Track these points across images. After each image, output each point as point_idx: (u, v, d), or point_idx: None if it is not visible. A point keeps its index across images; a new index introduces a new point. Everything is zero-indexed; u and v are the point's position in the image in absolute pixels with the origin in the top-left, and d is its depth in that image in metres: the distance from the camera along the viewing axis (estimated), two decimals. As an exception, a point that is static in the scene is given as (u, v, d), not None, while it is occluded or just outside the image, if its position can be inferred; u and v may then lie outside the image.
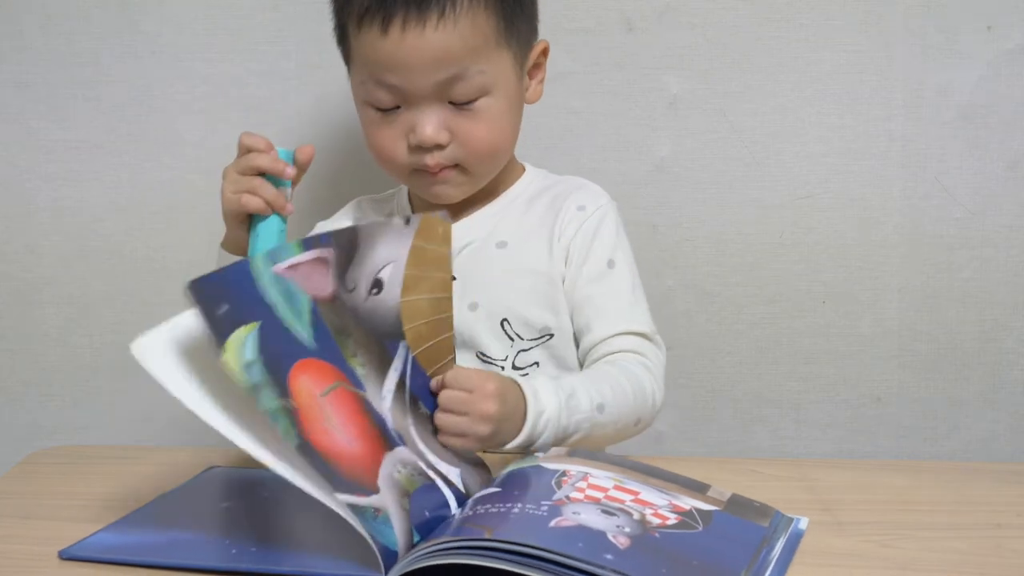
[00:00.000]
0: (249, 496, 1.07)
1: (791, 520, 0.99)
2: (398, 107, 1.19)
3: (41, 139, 1.66)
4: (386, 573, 0.87)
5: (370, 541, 0.87)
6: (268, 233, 1.15)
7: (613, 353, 1.22)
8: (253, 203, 1.14)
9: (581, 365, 1.26)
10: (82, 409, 1.71)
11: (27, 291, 1.70)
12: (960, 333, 1.64)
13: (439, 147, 1.19)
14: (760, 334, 1.64)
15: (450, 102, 1.18)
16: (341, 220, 1.38)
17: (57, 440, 1.67)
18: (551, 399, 1.08)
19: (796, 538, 0.96)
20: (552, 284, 1.25)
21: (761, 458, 1.60)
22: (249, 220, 1.16)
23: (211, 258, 1.66)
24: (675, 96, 1.59)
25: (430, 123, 1.17)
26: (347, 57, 1.25)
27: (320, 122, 1.63)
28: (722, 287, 1.63)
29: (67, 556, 0.94)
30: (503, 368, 1.25)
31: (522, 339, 1.25)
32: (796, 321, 1.64)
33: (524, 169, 1.34)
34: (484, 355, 1.25)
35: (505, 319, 1.24)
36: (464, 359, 1.24)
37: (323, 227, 1.34)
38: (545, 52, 1.27)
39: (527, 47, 1.24)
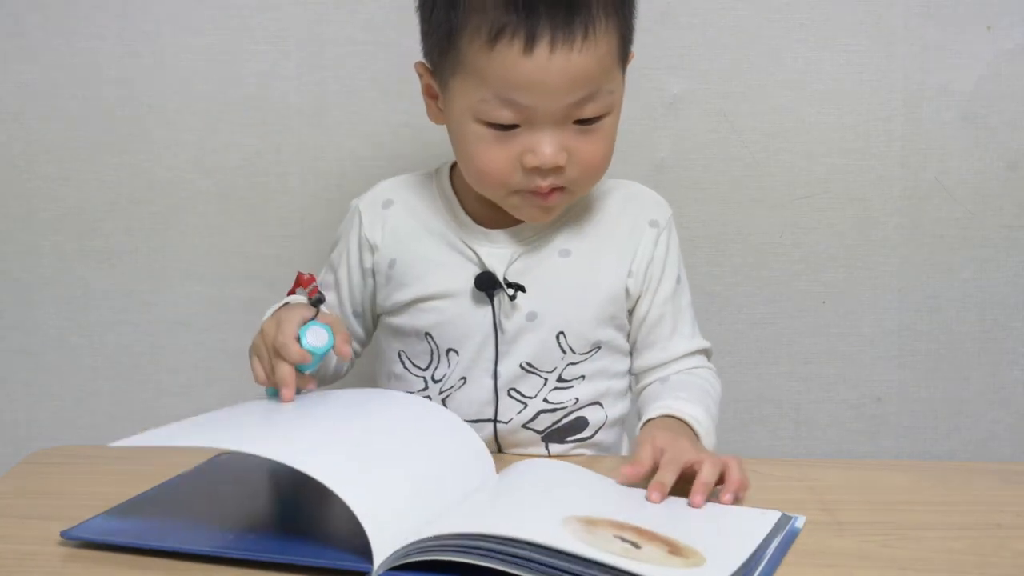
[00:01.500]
0: (253, 484, 1.08)
1: (789, 518, 0.99)
2: (515, 126, 1.12)
3: (41, 139, 1.66)
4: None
5: (368, 532, 0.88)
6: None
7: (688, 371, 1.24)
8: (259, 375, 1.13)
9: (638, 378, 1.25)
10: (82, 409, 1.71)
11: (27, 291, 1.70)
12: (960, 333, 1.64)
13: (556, 169, 1.13)
14: (760, 334, 1.64)
15: (574, 121, 1.13)
16: (376, 205, 1.29)
17: (57, 440, 1.67)
18: (693, 409, 1.14)
19: (792, 536, 0.96)
20: (615, 299, 1.22)
21: (761, 458, 1.60)
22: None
23: (210, 257, 1.67)
24: (675, 96, 1.59)
25: (551, 145, 1.12)
26: (450, 73, 1.15)
27: (320, 122, 1.63)
28: (722, 287, 1.63)
29: (69, 537, 0.96)
30: (546, 380, 1.22)
31: (574, 352, 1.21)
32: (796, 321, 1.64)
33: None
34: (531, 366, 1.21)
35: (562, 332, 1.21)
36: (507, 368, 1.21)
37: (357, 206, 1.29)
38: (631, 60, 1.22)
39: (627, 61, 1.20)
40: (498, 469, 1.07)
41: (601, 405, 1.24)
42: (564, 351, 1.21)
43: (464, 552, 0.85)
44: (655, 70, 1.58)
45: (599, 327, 1.22)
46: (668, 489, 1.01)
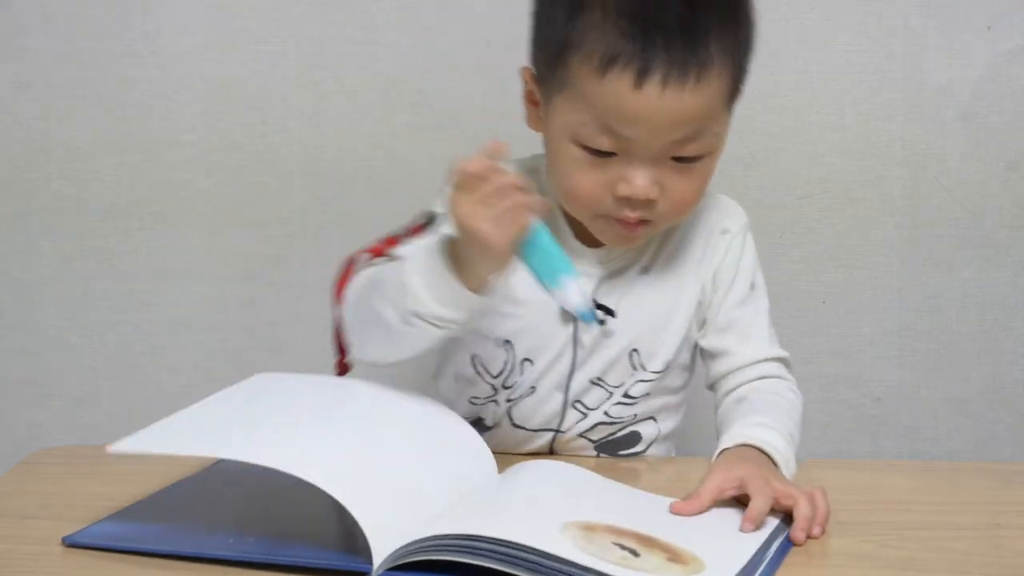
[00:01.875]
0: (254, 488, 1.08)
1: (790, 520, 0.99)
2: (613, 154, 1.09)
3: (41, 139, 1.66)
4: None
5: (365, 532, 0.88)
6: (548, 244, 1.00)
7: (761, 379, 1.20)
8: (526, 217, 0.98)
9: (713, 386, 1.23)
10: (82, 409, 1.71)
11: (27, 291, 1.70)
12: (960, 333, 1.64)
13: (647, 202, 1.10)
14: (760, 334, 1.64)
15: (672, 157, 1.09)
16: None
17: (57, 440, 1.67)
18: (770, 436, 1.09)
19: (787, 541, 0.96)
20: (689, 316, 1.21)
21: (761, 458, 1.60)
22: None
23: (210, 257, 1.67)
24: (675, 96, 1.59)
25: (646, 178, 1.08)
26: (556, 89, 1.10)
27: (320, 122, 1.63)
28: (722, 287, 1.63)
29: (71, 543, 0.96)
30: (611, 394, 1.20)
31: (645, 370, 1.20)
32: (796, 321, 1.64)
33: None
34: (601, 380, 1.19)
35: (635, 350, 1.19)
36: (577, 381, 1.19)
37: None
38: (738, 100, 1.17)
39: (736, 100, 1.16)
40: (500, 469, 1.07)
41: (655, 420, 1.23)
42: (635, 368, 1.19)
43: (463, 552, 0.85)
44: (655, 70, 1.58)
45: (673, 345, 1.20)
46: (763, 520, 0.97)
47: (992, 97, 1.58)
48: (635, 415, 1.21)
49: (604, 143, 1.08)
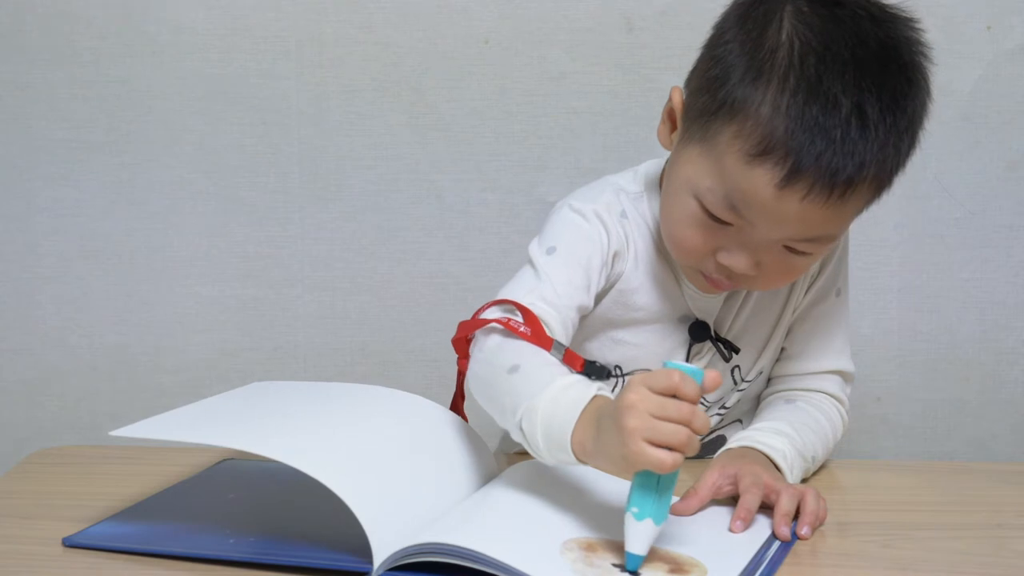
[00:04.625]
0: (256, 488, 1.08)
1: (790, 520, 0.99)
2: (729, 224, 1.04)
3: (41, 139, 1.66)
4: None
5: (367, 532, 0.88)
6: (666, 488, 0.90)
7: (815, 392, 1.18)
8: (671, 462, 0.87)
9: (770, 381, 1.21)
10: (82, 409, 1.71)
11: (27, 291, 1.70)
12: (960, 333, 1.64)
13: (745, 276, 1.07)
14: (760, 334, 1.64)
15: (785, 246, 1.05)
16: (612, 212, 1.14)
17: (57, 440, 1.67)
18: (778, 442, 1.07)
19: (793, 537, 0.96)
20: (786, 325, 1.19)
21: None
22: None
23: (210, 257, 1.67)
24: (675, 96, 1.59)
25: (748, 260, 1.05)
26: (702, 139, 1.04)
27: (320, 122, 1.63)
28: (722, 287, 1.63)
29: (71, 544, 0.96)
30: (708, 408, 1.19)
31: (745, 381, 1.19)
32: (796, 321, 1.64)
33: None
34: (703, 399, 1.15)
35: (738, 366, 1.18)
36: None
37: (596, 211, 1.13)
38: None
39: None
40: (502, 468, 1.07)
41: (741, 422, 1.23)
42: (736, 382, 1.19)
43: (463, 556, 0.85)
44: (655, 70, 1.58)
45: (770, 357, 1.20)
46: (754, 516, 0.97)
47: (992, 97, 1.58)
48: (721, 420, 1.22)
49: (725, 215, 1.03)
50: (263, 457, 0.92)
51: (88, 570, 0.93)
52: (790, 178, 0.98)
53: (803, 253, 1.06)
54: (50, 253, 1.69)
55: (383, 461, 0.99)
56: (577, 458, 0.93)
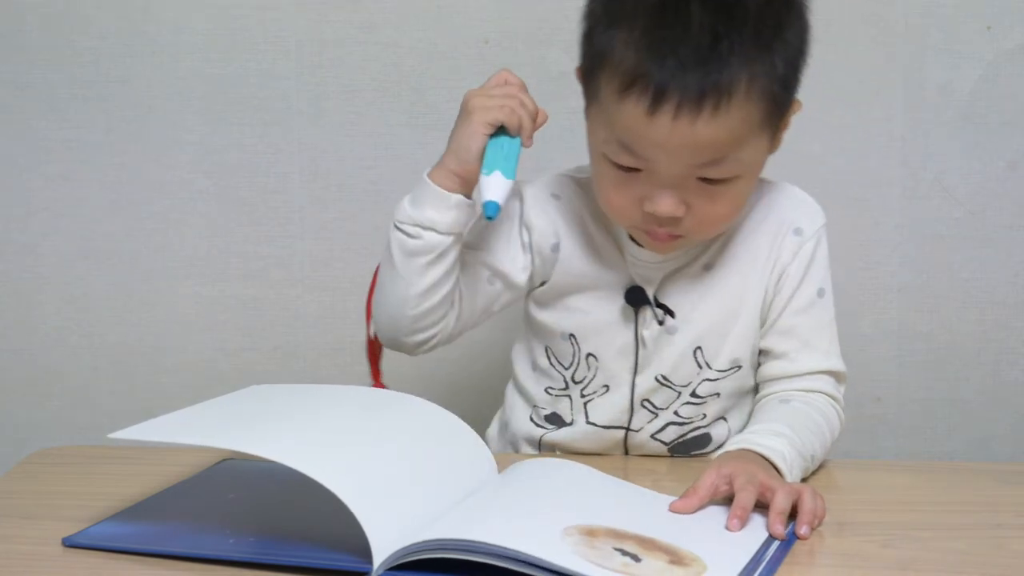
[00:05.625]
0: (256, 488, 1.08)
1: (790, 520, 0.99)
2: (638, 169, 1.09)
3: (41, 139, 1.66)
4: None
5: (367, 532, 0.88)
6: (511, 151, 1.12)
7: (810, 393, 1.19)
8: (516, 116, 1.12)
9: (760, 385, 1.22)
10: (82, 409, 1.71)
11: (27, 291, 1.70)
12: (960, 333, 1.64)
13: (673, 219, 1.10)
14: (760, 334, 1.64)
15: (699, 178, 1.08)
16: (544, 194, 1.23)
17: (57, 440, 1.67)
18: (777, 443, 1.07)
19: (793, 537, 0.96)
20: (753, 314, 1.19)
21: (761, 458, 1.60)
22: (487, 139, 1.13)
23: (210, 257, 1.67)
24: (675, 96, 1.59)
25: (669, 199, 1.08)
26: (591, 98, 1.12)
27: (320, 122, 1.63)
28: (722, 287, 1.63)
29: (71, 544, 0.96)
30: (679, 394, 1.21)
31: (711, 368, 1.19)
32: (796, 321, 1.64)
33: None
34: (666, 379, 1.20)
35: (699, 347, 1.19)
36: (644, 379, 1.20)
37: (520, 191, 1.22)
38: (797, 110, 1.17)
39: (784, 116, 1.15)
40: (501, 468, 1.07)
41: (726, 420, 1.23)
42: (700, 366, 1.19)
43: (464, 552, 0.85)
44: (655, 70, 1.58)
45: (739, 344, 1.20)
46: (748, 514, 0.97)
47: (992, 97, 1.58)
48: (704, 415, 1.22)
49: (627, 161, 1.08)
50: (263, 458, 0.92)
51: (88, 570, 0.93)
52: (656, 102, 1.04)
53: (720, 181, 1.09)
54: (50, 253, 1.69)
55: (383, 461, 0.99)
56: (433, 179, 1.14)
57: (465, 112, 1.14)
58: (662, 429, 1.22)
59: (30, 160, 1.66)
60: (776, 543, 0.94)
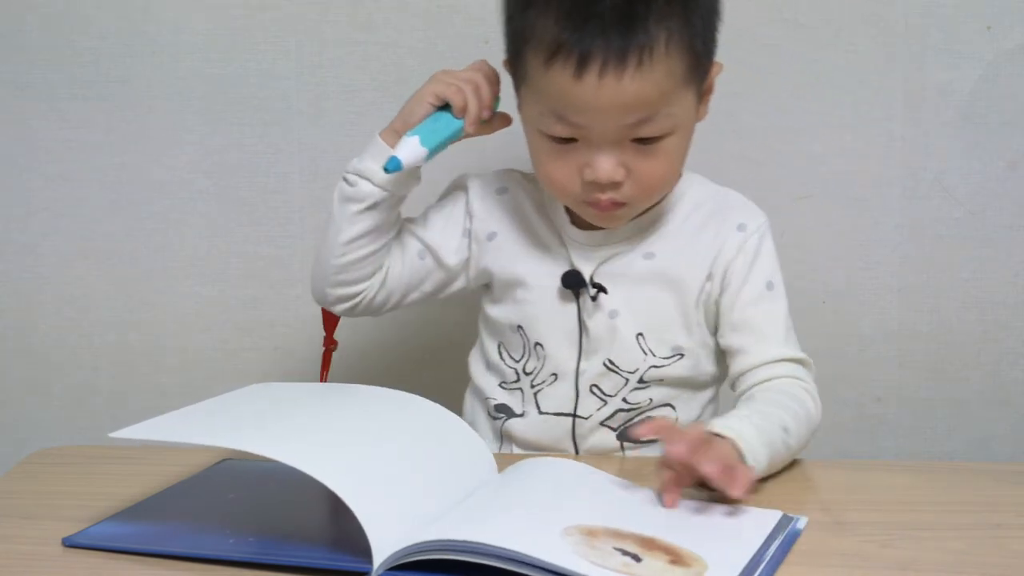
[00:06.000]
0: (256, 488, 1.09)
1: (790, 519, 0.99)
2: (574, 140, 1.14)
3: (41, 139, 1.66)
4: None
5: (367, 531, 0.88)
6: (445, 127, 1.21)
7: (773, 379, 1.20)
8: (461, 96, 1.19)
9: (732, 386, 1.23)
10: (82, 409, 1.71)
11: (27, 291, 1.70)
12: (960, 333, 1.64)
13: (614, 184, 1.14)
14: (760, 334, 1.64)
15: (633, 139, 1.13)
16: (491, 187, 1.29)
17: (57, 440, 1.67)
18: (736, 422, 1.08)
19: (793, 537, 0.96)
20: (694, 303, 1.22)
21: (761, 458, 1.60)
22: (434, 111, 1.21)
23: (211, 257, 1.67)
24: (675, 96, 1.59)
25: (608, 162, 1.13)
26: (520, 80, 1.18)
27: (320, 122, 1.63)
28: (722, 287, 1.63)
29: (71, 544, 0.96)
30: (627, 380, 1.22)
31: (655, 355, 1.22)
32: (796, 321, 1.63)
33: (680, 175, 1.26)
34: (612, 364, 1.22)
35: (641, 333, 1.21)
36: (591, 365, 1.22)
37: (466, 182, 1.30)
38: (718, 72, 1.20)
39: (707, 76, 1.19)
40: (501, 468, 1.07)
41: (673, 407, 1.24)
42: (645, 352, 1.22)
43: (464, 552, 0.85)
44: (655, 70, 1.58)
45: (680, 332, 1.22)
46: (671, 462, 0.99)
47: (992, 97, 1.58)
48: (651, 399, 1.23)
49: (561, 131, 1.13)
50: (263, 457, 0.92)
51: (88, 570, 0.93)
52: (581, 65, 1.08)
53: (654, 139, 1.13)
54: (50, 253, 1.69)
55: (383, 461, 0.99)
56: (382, 136, 1.23)
57: (426, 82, 1.22)
58: (611, 416, 1.23)
59: (30, 160, 1.66)
60: (777, 542, 0.94)
